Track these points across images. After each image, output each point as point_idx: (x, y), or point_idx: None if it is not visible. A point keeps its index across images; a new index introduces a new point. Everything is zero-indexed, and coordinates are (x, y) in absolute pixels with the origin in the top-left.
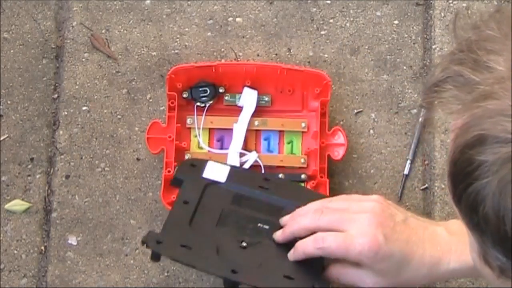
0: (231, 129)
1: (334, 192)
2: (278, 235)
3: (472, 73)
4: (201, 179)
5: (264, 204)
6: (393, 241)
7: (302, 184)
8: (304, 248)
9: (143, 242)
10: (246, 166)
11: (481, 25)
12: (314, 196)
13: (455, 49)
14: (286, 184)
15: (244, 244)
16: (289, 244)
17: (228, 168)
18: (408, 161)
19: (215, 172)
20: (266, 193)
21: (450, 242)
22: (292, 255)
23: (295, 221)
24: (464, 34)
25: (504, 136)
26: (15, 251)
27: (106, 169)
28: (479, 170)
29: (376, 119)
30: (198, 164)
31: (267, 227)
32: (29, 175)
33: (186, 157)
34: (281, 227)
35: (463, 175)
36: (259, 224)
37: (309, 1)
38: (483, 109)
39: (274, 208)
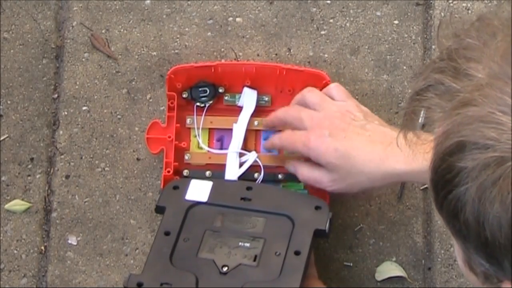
0: (230, 129)
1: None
2: (265, 122)
3: (452, 81)
4: (184, 201)
5: (245, 218)
6: (339, 138)
7: (301, 184)
8: (271, 141)
9: (125, 287)
10: (246, 166)
11: (462, 33)
12: (297, 198)
13: (436, 57)
14: (269, 189)
15: (224, 269)
16: (268, 263)
17: (210, 184)
18: None
19: (198, 191)
20: (248, 205)
21: (403, 146)
22: (265, 144)
23: (275, 112)
24: (445, 43)
25: (483, 142)
26: (15, 251)
27: (106, 169)
28: (459, 177)
29: None
30: (181, 185)
31: (247, 244)
32: (29, 175)
33: (186, 157)
34: (263, 244)
35: (444, 182)
36: (240, 243)
37: (309, 1)
38: (462, 116)
39: (255, 221)
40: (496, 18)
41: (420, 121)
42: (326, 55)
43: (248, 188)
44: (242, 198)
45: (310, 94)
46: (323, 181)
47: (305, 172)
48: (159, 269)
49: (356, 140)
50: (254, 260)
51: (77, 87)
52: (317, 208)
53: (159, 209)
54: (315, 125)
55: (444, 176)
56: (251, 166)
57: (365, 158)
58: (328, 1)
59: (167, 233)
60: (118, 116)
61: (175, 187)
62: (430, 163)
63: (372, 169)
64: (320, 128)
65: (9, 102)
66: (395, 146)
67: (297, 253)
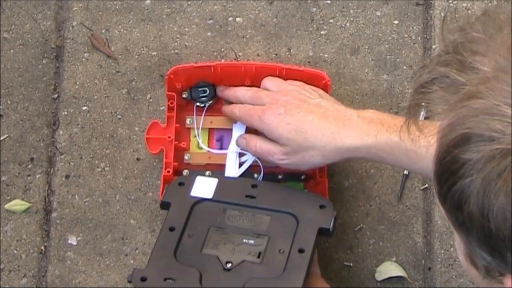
0: (230, 129)
1: (333, 192)
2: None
3: (457, 74)
4: (189, 198)
5: (250, 215)
6: (293, 113)
7: (301, 184)
8: (232, 109)
9: (128, 281)
10: (245, 166)
11: (467, 27)
12: (302, 196)
13: (442, 51)
14: (274, 187)
15: (228, 266)
16: (272, 260)
17: (216, 181)
18: None
19: (203, 188)
20: (252, 203)
21: (356, 122)
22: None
23: (232, 90)
24: (451, 37)
25: (488, 134)
26: (15, 251)
27: (106, 169)
28: (464, 169)
29: None
30: (186, 182)
31: (252, 241)
32: (29, 175)
33: (186, 157)
34: (267, 242)
35: (448, 174)
36: (244, 240)
37: (309, 1)
38: (468, 108)
39: (259, 218)
40: (502, 12)
41: (420, 119)
42: (326, 55)
43: (253, 186)
44: (247, 196)
45: (268, 79)
46: (275, 153)
47: (258, 143)
48: (163, 264)
49: (309, 116)
50: (258, 257)
51: (77, 87)
52: (321, 206)
53: (164, 205)
54: (272, 100)
55: (449, 168)
56: (250, 166)
57: (318, 132)
58: (328, 1)
59: (171, 229)
60: (118, 116)
61: (181, 184)
62: (435, 156)
63: (324, 143)
64: (276, 103)
65: (9, 102)
66: (348, 123)
67: (301, 251)
